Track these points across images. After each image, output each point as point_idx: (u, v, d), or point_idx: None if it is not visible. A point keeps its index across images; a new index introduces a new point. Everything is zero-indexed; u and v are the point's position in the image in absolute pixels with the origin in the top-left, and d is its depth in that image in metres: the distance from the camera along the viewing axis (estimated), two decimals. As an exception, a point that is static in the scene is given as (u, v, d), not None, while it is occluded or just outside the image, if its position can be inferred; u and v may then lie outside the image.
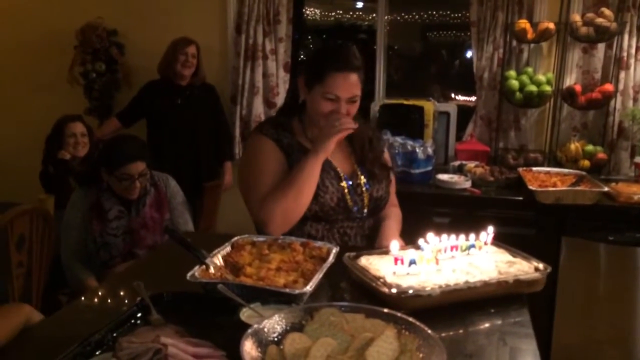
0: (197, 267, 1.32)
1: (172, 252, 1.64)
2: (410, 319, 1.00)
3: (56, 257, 2.41)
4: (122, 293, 1.43)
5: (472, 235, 1.49)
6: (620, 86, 3.16)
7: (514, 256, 1.48)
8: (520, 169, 2.96)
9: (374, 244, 1.77)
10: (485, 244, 1.51)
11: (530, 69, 3.28)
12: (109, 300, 1.44)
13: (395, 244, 1.39)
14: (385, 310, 1.05)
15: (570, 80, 3.29)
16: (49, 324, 1.30)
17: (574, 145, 3.17)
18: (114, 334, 1.10)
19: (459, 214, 2.78)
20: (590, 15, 3.10)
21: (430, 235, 1.44)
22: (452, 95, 4.25)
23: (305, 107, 1.79)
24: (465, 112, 3.58)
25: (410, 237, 1.66)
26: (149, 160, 2.33)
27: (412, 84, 4.42)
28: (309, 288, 1.23)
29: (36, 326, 1.29)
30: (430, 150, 2.98)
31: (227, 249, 1.49)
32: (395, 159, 2.84)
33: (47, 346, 1.15)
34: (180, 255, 1.39)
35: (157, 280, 1.46)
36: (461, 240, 1.47)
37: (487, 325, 1.27)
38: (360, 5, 4.80)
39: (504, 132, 3.41)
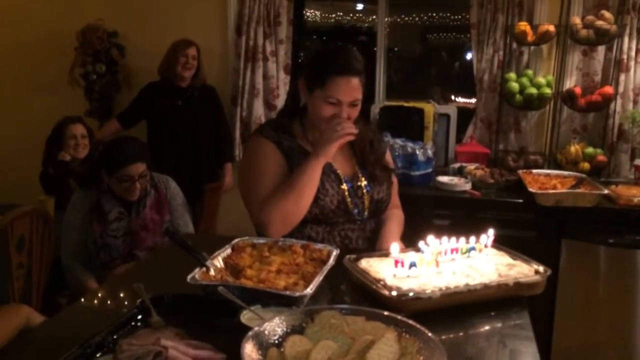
0: (197, 270, 1.32)
1: (172, 254, 1.64)
2: (411, 322, 1.00)
3: (56, 259, 2.41)
4: (122, 295, 1.43)
5: (472, 238, 1.49)
6: (620, 89, 3.16)
7: (514, 259, 1.48)
8: (520, 171, 2.96)
9: (375, 246, 1.76)
10: (486, 246, 1.51)
11: (530, 72, 3.28)
12: (109, 302, 1.43)
13: (395, 247, 1.39)
14: (386, 312, 1.05)
15: (570, 82, 3.29)
16: (49, 326, 1.30)
17: (574, 148, 3.17)
18: (114, 336, 1.10)
19: (459, 216, 2.78)
20: (590, 17, 3.10)
21: (430, 238, 1.44)
22: (452, 97, 4.26)
23: (306, 109, 1.79)
24: (465, 114, 3.58)
25: (410, 240, 1.67)
26: (149, 162, 2.33)
27: (412, 86, 4.42)
28: (309, 290, 1.23)
29: (36, 328, 1.30)
30: (430, 153, 2.98)
31: (228, 251, 1.49)
32: (396, 161, 2.84)
33: (47, 348, 1.15)
34: (180, 258, 1.39)
35: (158, 282, 1.45)
36: (461, 242, 1.47)
37: (487, 327, 1.27)
38: (360, 7, 4.80)
39: (504, 135, 3.41)
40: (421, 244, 1.43)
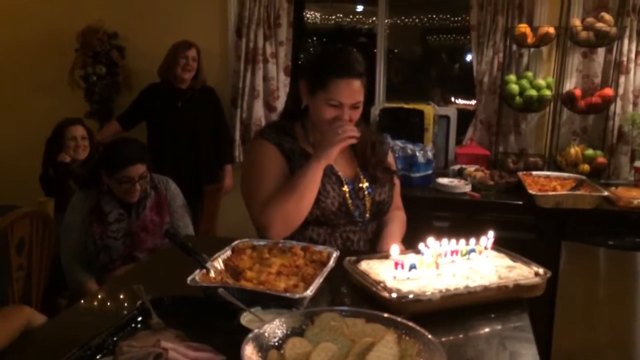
0: (197, 271, 1.32)
1: (172, 256, 1.64)
2: (411, 324, 1.00)
3: (56, 260, 2.41)
4: (122, 296, 1.43)
5: (472, 240, 1.49)
6: (620, 90, 3.16)
7: (514, 261, 1.48)
8: (520, 173, 2.96)
9: (376, 248, 1.76)
10: (486, 248, 1.51)
11: (530, 73, 3.28)
12: (109, 304, 1.43)
13: (395, 249, 1.39)
14: (386, 315, 1.05)
15: (570, 84, 3.29)
16: (49, 327, 1.30)
17: (574, 150, 3.17)
18: (115, 338, 1.10)
19: (459, 218, 2.79)
20: (590, 19, 3.11)
21: (430, 240, 1.44)
22: (452, 99, 4.25)
23: (308, 111, 1.79)
24: (465, 116, 3.58)
25: (410, 241, 1.67)
26: (149, 163, 2.33)
27: (412, 88, 4.41)
28: (309, 292, 1.23)
29: (37, 329, 1.30)
30: (430, 154, 2.98)
31: (228, 252, 1.49)
32: (396, 163, 2.84)
33: (47, 349, 1.15)
34: (180, 259, 1.39)
35: (158, 284, 1.46)
36: (461, 244, 1.47)
37: (487, 329, 1.27)
38: (360, 8, 4.80)
39: (504, 136, 3.41)
40: (421, 245, 1.43)
